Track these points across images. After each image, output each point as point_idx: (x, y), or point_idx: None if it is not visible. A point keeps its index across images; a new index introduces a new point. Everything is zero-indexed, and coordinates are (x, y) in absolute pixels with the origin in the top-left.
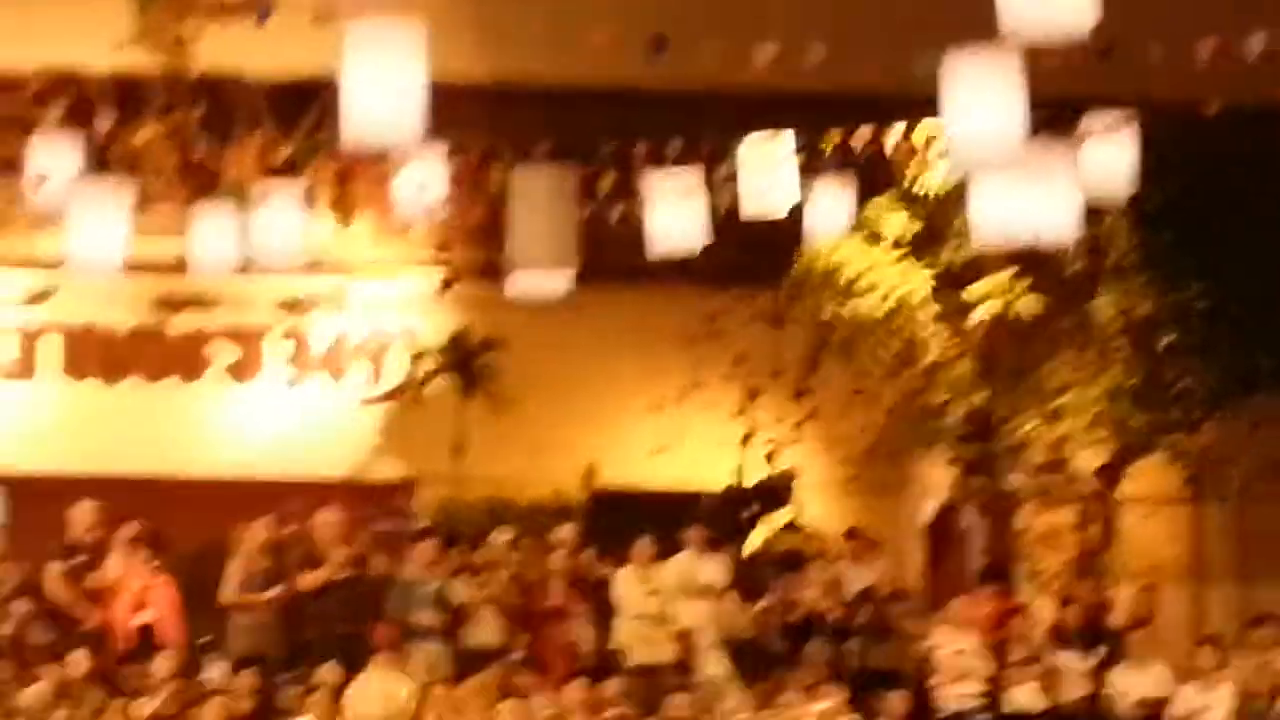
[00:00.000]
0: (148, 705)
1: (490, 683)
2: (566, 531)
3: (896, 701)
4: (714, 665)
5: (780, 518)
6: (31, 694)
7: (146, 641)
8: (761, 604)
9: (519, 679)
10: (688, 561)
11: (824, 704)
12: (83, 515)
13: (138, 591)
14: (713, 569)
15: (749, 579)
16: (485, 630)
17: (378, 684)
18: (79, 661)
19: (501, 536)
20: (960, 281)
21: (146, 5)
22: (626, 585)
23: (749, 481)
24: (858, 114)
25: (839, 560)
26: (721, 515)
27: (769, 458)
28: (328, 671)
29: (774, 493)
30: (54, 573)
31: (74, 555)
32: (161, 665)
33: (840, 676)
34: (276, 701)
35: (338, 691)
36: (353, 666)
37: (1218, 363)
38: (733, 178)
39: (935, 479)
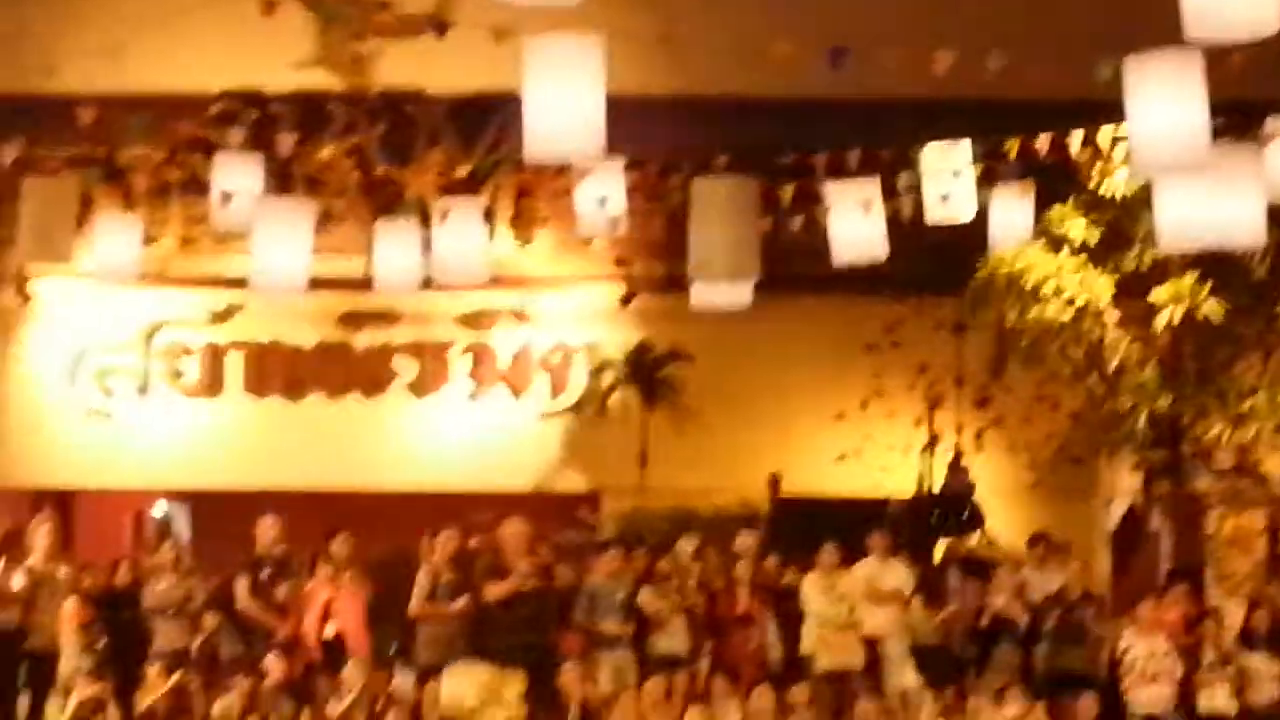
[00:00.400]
0: (336, 708)
1: (677, 690)
2: (751, 539)
3: (1087, 705)
4: (901, 671)
5: (966, 524)
6: (222, 705)
7: (334, 652)
8: (949, 609)
9: (713, 685)
10: (873, 567)
11: (1013, 709)
12: (268, 529)
13: (325, 603)
14: (899, 575)
15: (935, 585)
16: (672, 638)
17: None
18: (272, 668)
19: (687, 545)
20: (1144, 286)
21: (327, 25)
22: (812, 591)
23: (933, 489)
24: (1039, 119)
25: (1025, 565)
26: (907, 522)
27: (953, 465)
28: (515, 682)
29: (958, 500)
30: (243, 586)
31: (261, 569)
32: (350, 674)
33: (1029, 680)
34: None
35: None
36: (540, 675)
37: None
38: (914, 186)
39: (1121, 483)
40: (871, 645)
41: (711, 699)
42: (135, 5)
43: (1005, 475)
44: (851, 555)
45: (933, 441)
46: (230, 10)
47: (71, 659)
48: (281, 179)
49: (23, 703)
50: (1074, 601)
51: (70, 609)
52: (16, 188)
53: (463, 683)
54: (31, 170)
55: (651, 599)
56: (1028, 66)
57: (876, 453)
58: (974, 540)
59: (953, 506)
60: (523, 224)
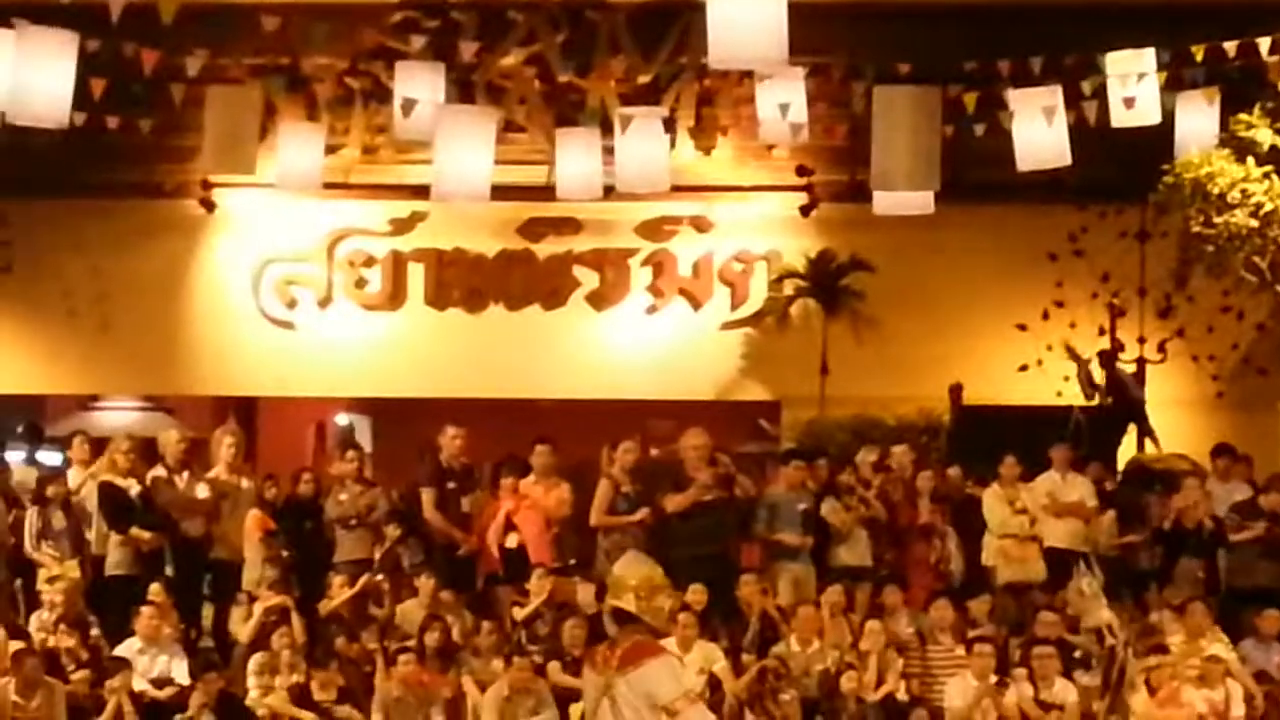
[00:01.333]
0: (521, 612)
1: (857, 602)
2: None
3: (1273, 619)
4: (1083, 583)
5: (1148, 435)
6: (405, 610)
7: (516, 563)
8: (1131, 522)
9: (885, 598)
10: (1054, 480)
11: (1208, 650)
12: (452, 440)
13: (507, 514)
14: (1080, 487)
15: (1118, 497)
16: (853, 549)
17: None
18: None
19: (868, 455)
20: None
21: None
22: (993, 503)
23: (1112, 396)
24: (1226, 24)
25: (1209, 477)
26: (1089, 433)
27: (1136, 374)
28: (695, 593)
29: (1141, 410)
30: (429, 498)
31: (446, 480)
32: (534, 584)
33: (1213, 593)
34: None
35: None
36: (720, 587)
37: None
38: (1098, 92)
39: None
40: (1053, 557)
41: (887, 611)
42: None
43: (1188, 386)
44: (1033, 466)
45: (1114, 350)
46: None
47: (255, 569)
48: (463, 87)
49: (207, 611)
50: (1271, 513)
51: (253, 520)
52: (201, 97)
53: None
54: (215, 79)
55: (833, 510)
56: None
57: (1058, 363)
58: (1157, 451)
59: (1133, 415)
60: (704, 132)
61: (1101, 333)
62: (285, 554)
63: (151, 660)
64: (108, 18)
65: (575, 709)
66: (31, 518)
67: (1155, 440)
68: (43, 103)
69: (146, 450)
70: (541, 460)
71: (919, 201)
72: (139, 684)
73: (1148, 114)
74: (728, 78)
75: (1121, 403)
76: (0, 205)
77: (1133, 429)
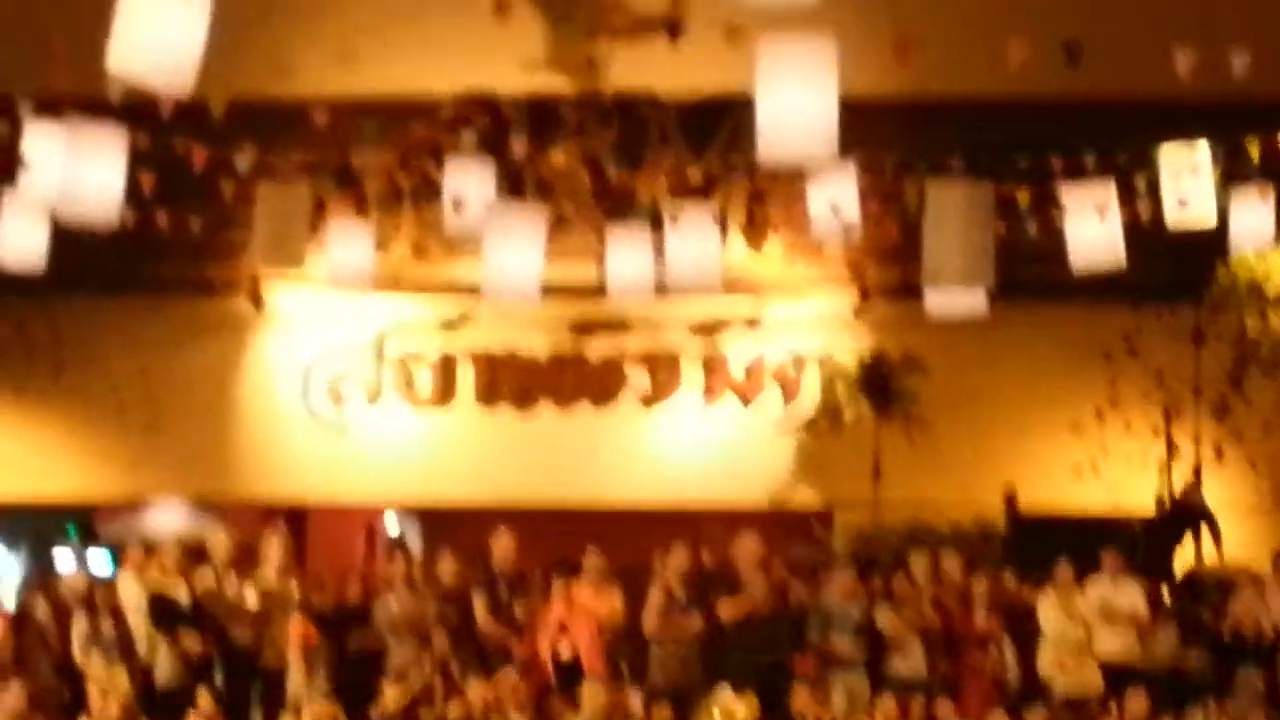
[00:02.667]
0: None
1: (912, 713)
2: (956, 561)
3: None
4: (1137, 696)
5: (1205, 542)
6: (458, 712)
7: (569, 672)
8: (1188, 633)
9: (940, 709)
10: (1105, 587)
11: None
12: (504, 545)
13: (559, 621)
14: (1132, 594)
15: (1174, 605)
16: (908, 659)
17: None
18: (506, 680)
19: (921, 561)
20: None
21: (559, 27)
22: (1049, 611)
23: (1170, 504)
24: None
25: (1267, 584)
26: (1144, 539)
27: (1192, 480)
28: (748, 702)
29: (1197, 515)
30: (480, 605)
31: (497, 586)
32: (587, 693)
33: (1274, 705)
34: None
35: None
36: (774, 696)
37: None
38: (1152, 189)
39: None
40: (1108, 671)
41: None
42: (367, 8)
43: (1245, 490)
44: (1088, 573)
45: (1170, 454)
46: (462, 12)
47: (299, 677)
48: (513, 183)
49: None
50: None
51: (295, 628)
52: (250, 193)
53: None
54: (265, 175)
55: (888, 619)
56: (1271, 64)
57: (1113, 465)
58: (1213, 558)
59: (1191, 523)
60: (755, 229)
61: (1156, 434)
62: (332, 662)
63: None
64: (158, 114)
65: None
66: (80, 624)
67: (1219, 547)
68: (93, 200)
69: (195, 554)
70: (592, 566)
71: (971, 300)
72: None
73: (1201, 213)
74: (779, 175)
75: (1181, 511)
76: (50, 303)
77: (1188, 536)
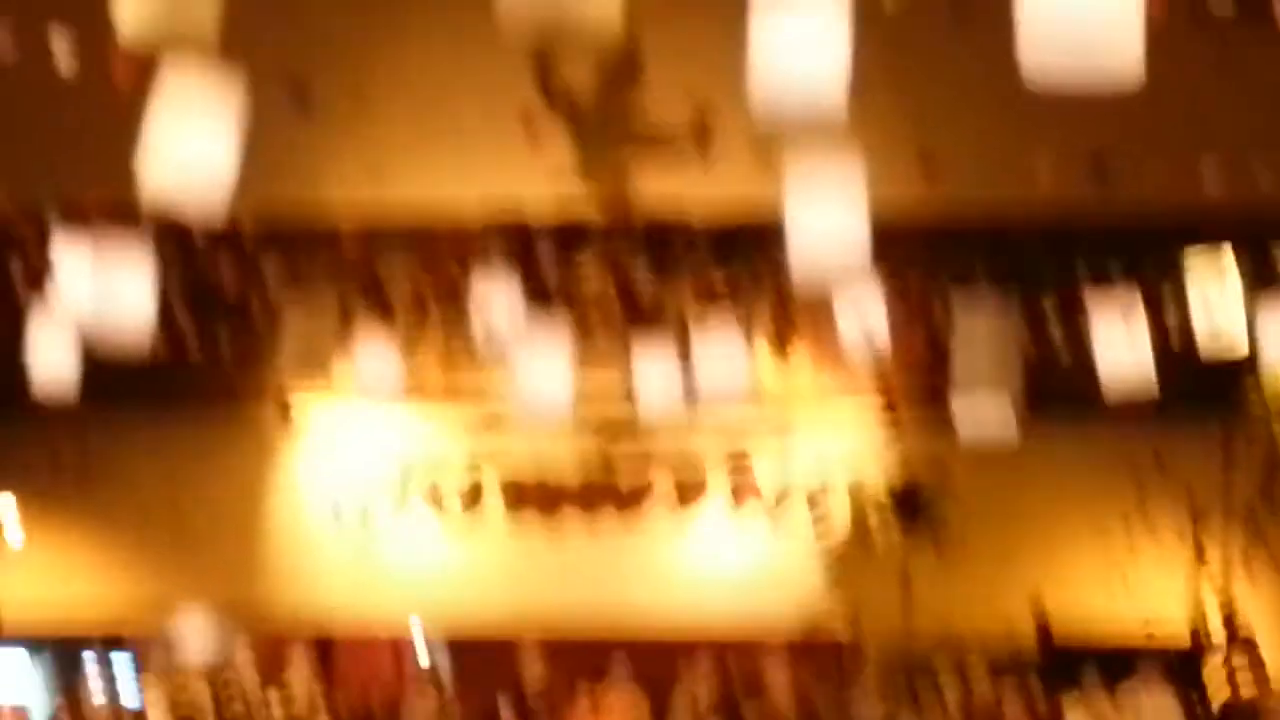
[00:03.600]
0: None
1: None
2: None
3: None
4: None
5: (1240, 663)
6: None
7: None
8: None
9: None
10: (1146, 710)
11: None
12: (532, 666)
13: None
14: (1169, 715)
15: None
16: None
17: None
18: None
19: (951, 680)
20: None
21: (586, 143)
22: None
23: (1203, 626)
24: None
25: None
26: (1179, 660)
27: (1225, 602)
28: None
29: (1231, 637)
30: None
31: (527, 712)
32: None
33: None
34: None
35: None
36: None
37: None
38: (1181, 302)
39: None
40: None
41: None
42: (395, 123)
43: (1277, 603)
44: (1122, 694)
45: (1200, 569)
46: (489, 128)
47: None
48: (541, 297)
49: None
50: None
51: None
52: (278, 305)
53: None
54: (292, 286)
55: None
56: None
57: (1141, 577)
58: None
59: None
60: (783, 343)
61: (1184, 544)
62: None
63: None
64: (188, 229)
65: None
66: None
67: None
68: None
69: (222, 673)
70: (618, 678)
71: (1000, 415)
72: None
73: (1232, 326)
74: (807, 290)
75: (1223, 629)
76: (76, 416)
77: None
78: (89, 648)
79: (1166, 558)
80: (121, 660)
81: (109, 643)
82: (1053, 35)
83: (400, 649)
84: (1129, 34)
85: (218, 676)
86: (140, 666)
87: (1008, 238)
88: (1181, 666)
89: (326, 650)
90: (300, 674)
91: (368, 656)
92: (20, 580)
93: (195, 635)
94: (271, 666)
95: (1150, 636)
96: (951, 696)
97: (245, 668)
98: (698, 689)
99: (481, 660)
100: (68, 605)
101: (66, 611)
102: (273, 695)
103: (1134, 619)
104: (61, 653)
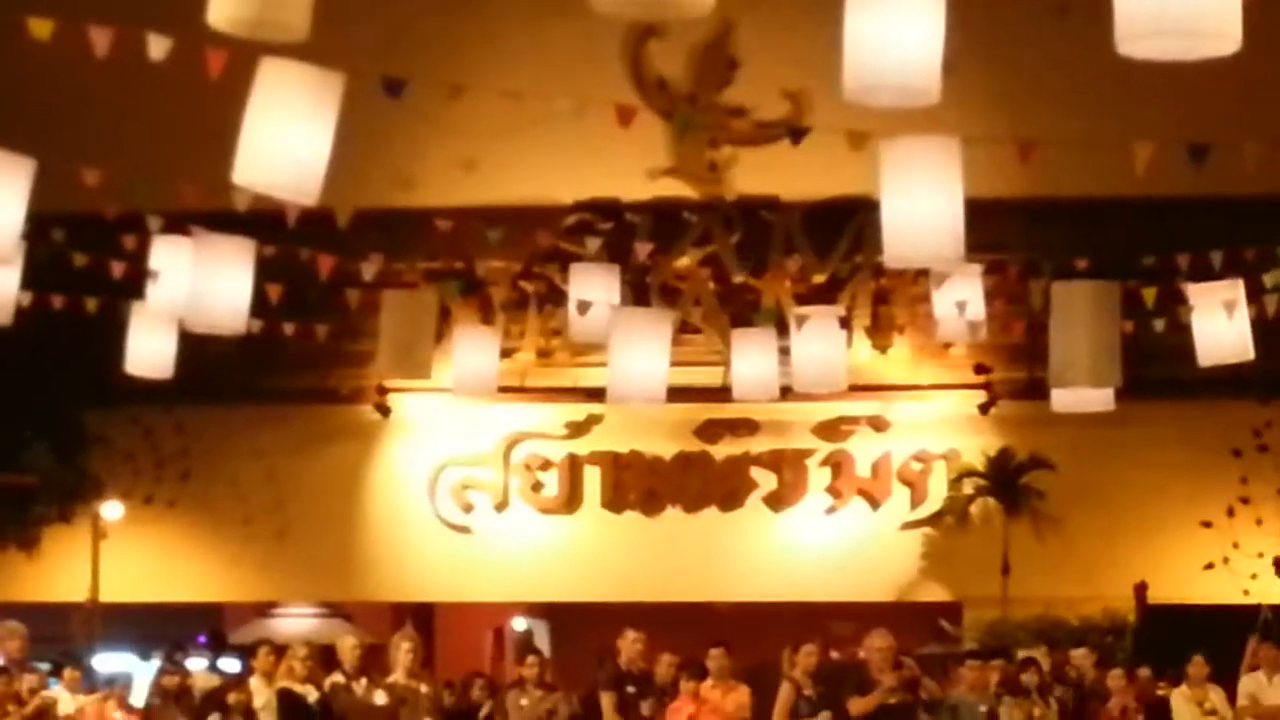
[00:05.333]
0: None
1: None
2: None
3: None
4: None
5: None
6: None
7: None
8: None
9: None
10: (1260, 680)
11: None
12: (632, 644)
13: (688, 718)
14: None
15: None
16: None
17: None
18: None
19: (1050, 656)
20: None
21: (682, 134)
22: (1183, 705)
23: None
24: None
25: None
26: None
27: None
28: None
29: None
30: (608, 703)
31: (625, 684)
32: None
33: None
34: None
35: None
36: None
37: None
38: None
39: None
40: None
41: None
42: (490, 118)
43: None
44: (1221, 666)
45: None
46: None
47: None
48: (637, 289)
49: None
50: None
51: None
52: (376, 302)
53: None
54: (390, 284)
55: (1010, 713)
56: None
57: (1244, 561)
58: None
59: None
60: (880, 331)
61: None
62: None
63: None
64: (284, 224)
65: None
66: None
67: None
68: (220, 310)
69: (325, 657)
70: (717, 664)
71: (1099, 398)
72: None
73: None
74: (903, 276)
75: None
76: (178, 412)
77: None
78: (191, 628)
79: (1270, 538)
80: (225, 641)
81: (213, 625)
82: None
83: (501, 628)
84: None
85: (319, 656)
86: (243, 648)
87: (1106, 222)
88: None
89: (427, 630)
90: (401, 651)
91: (468, 634)
92: (125, 568)
93: (296, 615)
94: (373, 646)
95: (1248, 599)
96: (1050, 674)
97: (346, 648)
98: (798, 658)
99: (581, 634)
100: (171, 591)
101: (170, 596)
102: (374, 673)
103: (1234, 592)
104: (166, 633)
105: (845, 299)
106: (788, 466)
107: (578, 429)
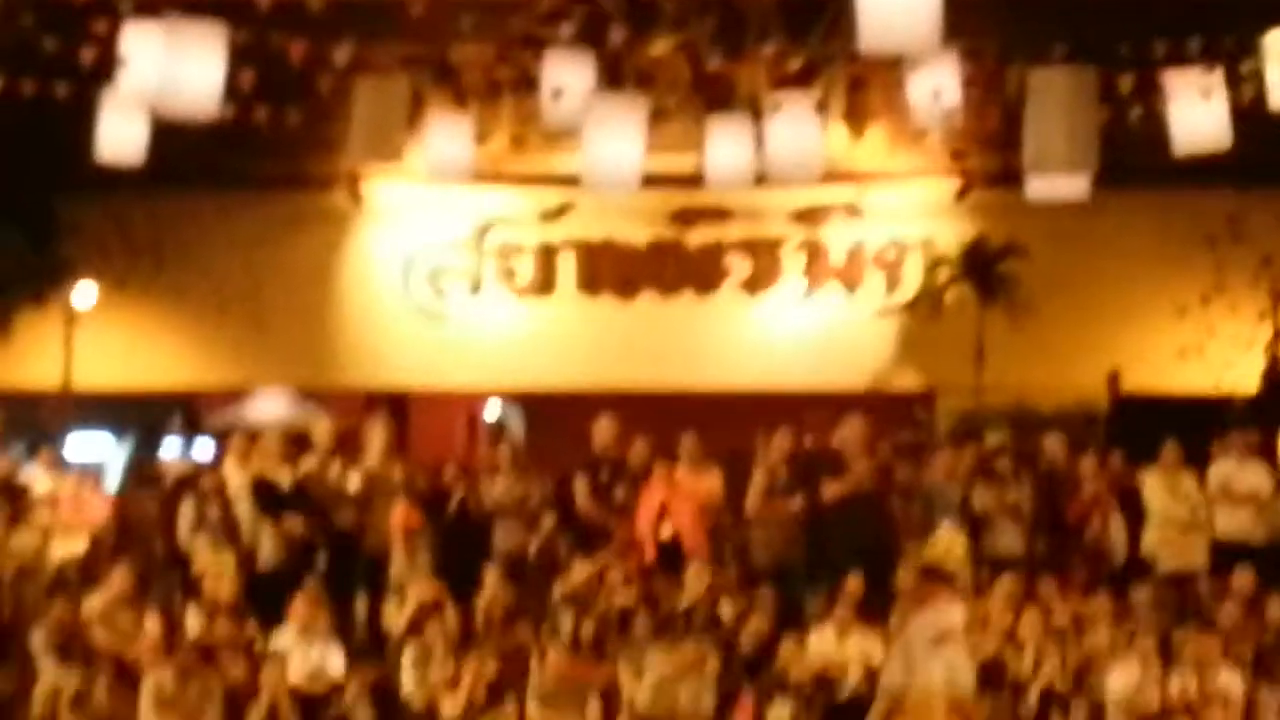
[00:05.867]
0: (683, 601)
1: (1013, 591)
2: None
3: None
4: (1245, 573)
5: None
6: (561, 589)
7: (670, 553)
8: None
9: (1041, 587)
10: (1230, 467)
11: None
12: (605, 430)
13: (661, 504)
14: (1257, 475)
15: None
16: (1007, 538)
17: None
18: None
19: (1022, 443)
20: None
21: None
22: (1155, 490)
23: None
24: None
25: None
26: (1253, 419)
27: None
28: (851, 582)
29: None
30: (582, 487)
31: (599, 470)
32: (692, 575)
33: None
34: (800, 613)
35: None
36: (876, 578)
37: None
38: (1256, 73)
39: None
40: (1221, 548)
41: (1041, 600)
42: None
43: None
44: (1193, 454)
45: (1277, 336)
46: None
47: (402, 560)
48: (612, 75)
49: (360, 603)
50: None
51: (398, 514)
52: (348, 88)
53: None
54: (363, 70)
55: (983, 497)
56: None
57: (1219, 348)
58: None
59: None
60: (856, 118)
61: (1262, 318)
62: (433, 545)
63: (306, 652)
64: (256, 10)
65: None
66: (187, 510)
67: None
68: (191, 95)
69: (298, 442)
70: (689, 449)
71: (1074, 186)
72: (294, 675)
73: None
74: (879, 63)
75: None
76: (150, 199)
77: None
78: (164, 414)
79: (1243, 325)
80: (199, 426)
81: (187, 411)
82: None
83: (475, 413)
84: None
85: (293, 441)
86: (217, 433)
87: (1084, 10)
88: (1254, 419)
89: (401, 415)
90: (375, 436)
91: (441, 420)
92: (97, 355)
93: (270, 401)
94: (347, 431)
95: (1220, 388)
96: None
97: (320, 432)
98: (772, 444)
99: (555, 420)
100: (144, 377)
101: (143, 383)
102: (347, 457)
103: (1207, 380)
104: (140, 419)
105: (821, 86)
106: (762, 254)
107: (551, 215)
